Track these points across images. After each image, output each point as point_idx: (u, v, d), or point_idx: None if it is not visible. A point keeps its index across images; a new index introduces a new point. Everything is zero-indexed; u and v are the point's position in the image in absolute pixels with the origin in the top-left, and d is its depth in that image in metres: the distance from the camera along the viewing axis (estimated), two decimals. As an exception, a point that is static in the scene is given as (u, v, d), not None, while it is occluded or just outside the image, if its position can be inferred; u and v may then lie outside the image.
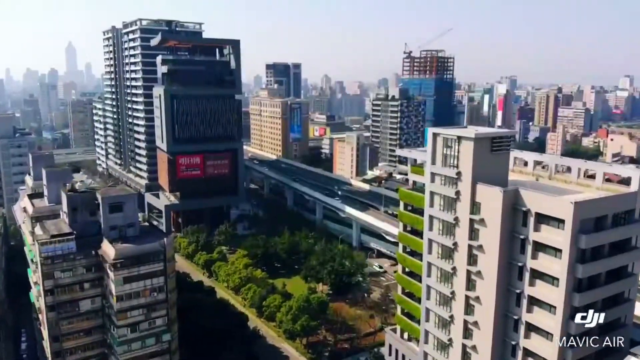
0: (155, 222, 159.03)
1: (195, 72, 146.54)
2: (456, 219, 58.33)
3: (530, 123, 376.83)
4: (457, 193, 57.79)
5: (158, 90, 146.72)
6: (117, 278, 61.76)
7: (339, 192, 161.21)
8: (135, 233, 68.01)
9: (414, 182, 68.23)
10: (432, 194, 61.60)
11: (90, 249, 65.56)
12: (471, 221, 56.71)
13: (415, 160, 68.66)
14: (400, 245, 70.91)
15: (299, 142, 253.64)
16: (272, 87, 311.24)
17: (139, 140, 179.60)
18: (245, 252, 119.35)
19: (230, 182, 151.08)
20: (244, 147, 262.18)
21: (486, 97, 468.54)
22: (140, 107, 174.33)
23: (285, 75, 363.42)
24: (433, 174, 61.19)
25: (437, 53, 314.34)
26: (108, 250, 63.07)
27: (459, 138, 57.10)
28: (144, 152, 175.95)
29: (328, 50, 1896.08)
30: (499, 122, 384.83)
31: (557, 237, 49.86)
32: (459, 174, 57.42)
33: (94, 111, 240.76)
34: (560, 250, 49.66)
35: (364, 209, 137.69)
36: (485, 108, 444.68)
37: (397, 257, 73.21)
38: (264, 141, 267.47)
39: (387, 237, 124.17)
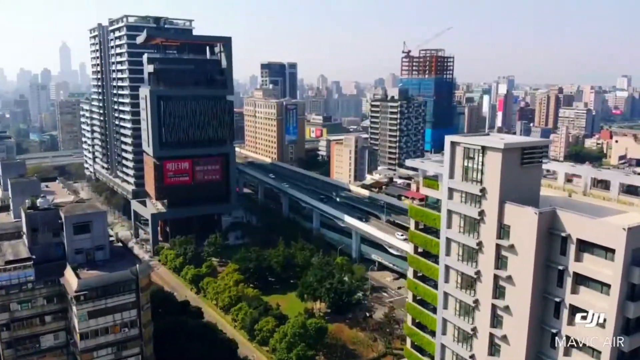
0: (142, 231, 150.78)
1: (183, 72, 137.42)
2: (479, 243, 49.62)
3: (531, 124, 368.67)
4: (481, 213, 49.06)
5: (144, 91, 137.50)
6: (80, 312, 52.77)
7: (337, 199, 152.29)
8: (105, 257, 58.96)
9: (426, 198, 59.44)
10: (450, 213, 52.81)
11: (52, 276, 56.45)
12: (498, 247, 48.04)
13: (427, 172, 59.83)
14: (411, 270, 61.95)
15: (294, 145, 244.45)
16: (267, 87, 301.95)
17: (125, 143, 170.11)
18: (237, 267, 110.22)
19: (221, 189, 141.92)
20: (238, 149, 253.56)
21: (485, 97, 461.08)
22: (127, 108, 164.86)
23: (280, 75, 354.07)
24: (451, 190, 52.41)
25: (436, 52, 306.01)
26: (70, 279, 54.02)
27: (484, 148, 48.30)
28: (130, 156, 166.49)
29: (324, 50, 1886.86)
30: (499, 123, 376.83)
31: (604, 270, 41.30)
32: (483, 190, 48.68)
33: (81, 112, 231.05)
34: (607, 285, 41.17)
35: (364, 218, 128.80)
36: (485, 109, 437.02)
37: (407, 284, 64.22)
38: (258, 143, 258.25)
39: (390, 250, 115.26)
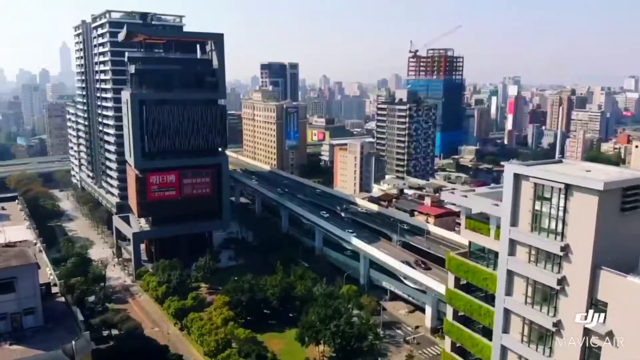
0: (125, 250, 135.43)
1: (169, 73, 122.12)
2: (557, 324, 34.29)
3: (543, 127, 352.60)
4: (562, 281, 33.70)
5: (125, 95, 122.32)
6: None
7: (342, 214, 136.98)
8: (37, 322, 43.78)
9: (470, 244, 44.03)
10: (511, 274, 37.39)
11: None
12: (587, 332, 32.73)
13: (471, 210, 44.38)
14: (448, 340, 46.31)
15: (295, 150, 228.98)
16: (266, 88, 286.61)
17: (109, 151, 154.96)
18: (227, 299, 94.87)
19: (212, 204, 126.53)
20: (235, 155, 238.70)
21: (494, 99, 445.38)
22: (110, 113, 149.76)
23: (281, 76, 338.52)
24: (514, 242, 36.99)
25: (445, 52, 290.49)
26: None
27: (568, 188, 32.92)
28: (114, 166, 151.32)
29: (326, 50, 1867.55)
30: (509, 126, 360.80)
31: None
32: (565, 248, 33.31)
33: (67, 116, 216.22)
34: None
35: (373, 240, 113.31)
36: (493, 110, 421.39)
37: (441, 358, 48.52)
38: (257, 148, 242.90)
39: (406, 281, 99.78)
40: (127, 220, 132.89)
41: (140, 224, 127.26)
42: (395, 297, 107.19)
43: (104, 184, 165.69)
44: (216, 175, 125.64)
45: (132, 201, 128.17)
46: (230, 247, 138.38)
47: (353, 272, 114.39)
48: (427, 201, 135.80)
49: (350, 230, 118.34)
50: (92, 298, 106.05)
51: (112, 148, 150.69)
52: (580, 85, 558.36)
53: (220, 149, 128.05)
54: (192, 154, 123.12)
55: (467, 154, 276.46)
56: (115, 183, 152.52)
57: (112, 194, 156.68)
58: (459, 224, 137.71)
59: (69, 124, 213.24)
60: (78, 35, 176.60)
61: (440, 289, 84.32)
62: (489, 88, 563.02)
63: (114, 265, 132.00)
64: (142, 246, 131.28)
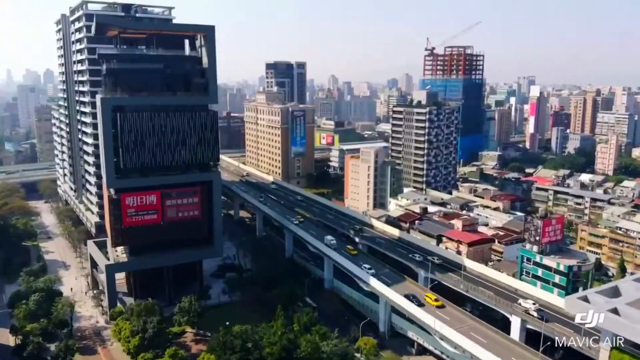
0: (100, 282, 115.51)
1: (149, 73, 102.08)
2: None
3: (568, 130, 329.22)
4: None
5: (98, 99, 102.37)
6: None
7: (356, 239, 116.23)
8: None
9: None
10: None
11: None
12: None
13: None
14: None
15: (302, 158, 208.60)
16: (270, 89, 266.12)
17: (88, 163, 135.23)
18: (213, 358, 74.64)
19: (201, 229, 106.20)
20: (237, 163, 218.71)
21: (512, 99, 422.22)
22: (88, 119, 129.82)
23: (288, 76, 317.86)
24: None
25: (464, 49, 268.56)
26: None
27: None
28: (93, 180, 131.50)
29: (333, 48, 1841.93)
30: (531, 129, 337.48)
31: None
32: None
33: (52, 120, 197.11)
34: None
35: (396, 279, 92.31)
36: (512, 112, 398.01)
37: None
38: (260, 155, 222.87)
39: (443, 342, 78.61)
40: (104, 245, 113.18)
41: (116, 253, 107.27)
42: (423, 350, 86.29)
43: (85, 200, 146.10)
44: (206, 194, 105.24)
45: (107, 226, 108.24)
46: (224, 276, 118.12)
47: (371, 316, 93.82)
48: (457, 223, 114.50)
49: (368, 267, 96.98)
50: (54, 347, 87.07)
51: (91, 160, 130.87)
52: (593, 85, 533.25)
53: (211, 163, 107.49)
54: (177, 170, 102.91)
55: (489, 160, 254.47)
56: (94, 200, 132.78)
57: (92, 212, 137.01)
58: (495, 251, 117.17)
59: (54, 129, 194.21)
60: (58, 31, 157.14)
61: (484, 356, 63.93)
62: (504, 88, 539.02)
63: (89, 296, 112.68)
64: (123, 274, 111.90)
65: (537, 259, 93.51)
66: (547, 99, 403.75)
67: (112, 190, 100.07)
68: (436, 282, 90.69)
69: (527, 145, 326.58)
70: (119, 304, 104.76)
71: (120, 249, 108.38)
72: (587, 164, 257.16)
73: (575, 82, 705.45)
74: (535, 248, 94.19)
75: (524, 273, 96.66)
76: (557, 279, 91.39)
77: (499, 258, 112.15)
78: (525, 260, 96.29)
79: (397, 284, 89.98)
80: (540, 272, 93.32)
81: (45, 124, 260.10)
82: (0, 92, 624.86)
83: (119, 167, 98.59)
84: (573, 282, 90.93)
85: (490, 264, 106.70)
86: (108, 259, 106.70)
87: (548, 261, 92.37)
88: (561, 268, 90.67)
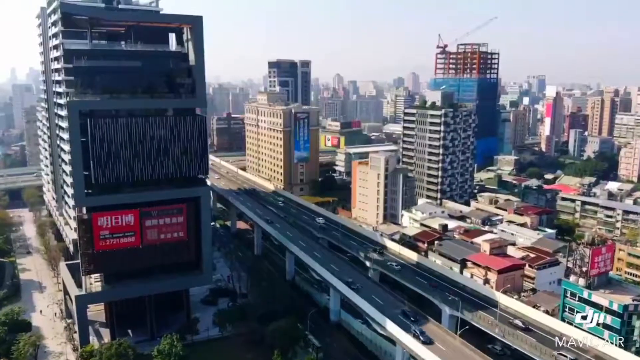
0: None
1: (126, 72, 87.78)
2: None
3: (586, 133, 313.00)
4: None
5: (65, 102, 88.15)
6: None
7: (368, 263, 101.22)
8: None
9: None
10: None
11: None
12: None
13: None
14: None
15: (306, 163, 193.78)
16: (273, 89, 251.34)
17: (65, 173, 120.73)
18: None
19: (187, 252, 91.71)
20: (236, 169, 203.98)
21: (525, 99, 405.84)
22: (65, 124, 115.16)
23: (292, 75, 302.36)
24: None
25: (478, 47, 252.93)
26: None
27: None
28: (71, 192, 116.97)
29: (339, 47, 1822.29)
30: (547, 131, 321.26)
31: None
32: None
33: (37, 123, 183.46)
34: None
35: (418, 320, 77.07)
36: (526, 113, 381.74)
37: None
38: (261, 159, 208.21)
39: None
40: (77, 273, 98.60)
41: (90, 280, 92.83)
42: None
43: (64, 212, 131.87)
44: (192, 213, 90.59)
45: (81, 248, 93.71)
46: (216, 303, 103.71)
47: (386, 356, 79.02)
48: (484, 246, 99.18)
49: (382, 303, 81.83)
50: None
51: (68, 169, 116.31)
52: (603, 84, 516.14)
53: (198, 178, 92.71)
54: (159, 185, 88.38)
55: (505, 165, 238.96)
56: (72, 214, 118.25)
57: (70, 227, 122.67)
58: (528, 278, 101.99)
59: (39, 132, 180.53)
60: (39, 25, 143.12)
61: None
62: (515, 88, 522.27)
63: (62, 325, 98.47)
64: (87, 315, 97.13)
65: (585, 294, 78.30)
66: (562, 100, 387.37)
67: (83, 209, 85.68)
68: (467, 324, 75.44)
69: (543, 148, 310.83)
70: (94, 339, 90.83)
71: (95, 275, 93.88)
72: (609, 169, 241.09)
73: (584, 81, 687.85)
74: (581, 281, 79.04)
75: (566, 310, 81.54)
76: (609, 319, 76.17)
77: (531, 285, 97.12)
78: (568, 295, 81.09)
79: (419, 325, 74.79)
80: (588, 310, 78.13)
81: (34, 126, 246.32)
82: (2, 91, 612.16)
83: (90, 182, 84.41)
84: (627, 324, 75.88)
85: (523, 294, 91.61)
86: (80, 287, 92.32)
87: (598, 297, 77.20)
88: (614, 307, 75.43)
